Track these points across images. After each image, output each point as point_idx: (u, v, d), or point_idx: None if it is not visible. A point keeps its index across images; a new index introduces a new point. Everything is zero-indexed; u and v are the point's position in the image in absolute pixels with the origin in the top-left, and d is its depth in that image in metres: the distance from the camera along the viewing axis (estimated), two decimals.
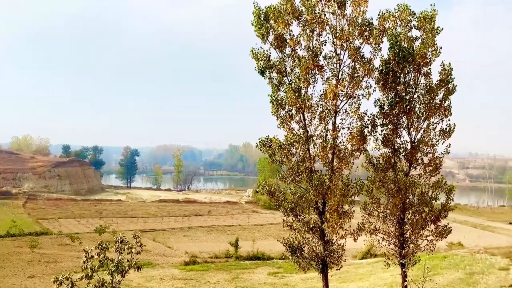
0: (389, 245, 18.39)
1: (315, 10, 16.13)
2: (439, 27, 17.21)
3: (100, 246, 9.52)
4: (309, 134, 17.04)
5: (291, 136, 16.93)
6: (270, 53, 16.74)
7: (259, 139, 17.21)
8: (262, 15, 16.28)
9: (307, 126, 17.07)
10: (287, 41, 16.48)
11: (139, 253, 9.83)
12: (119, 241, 9.84)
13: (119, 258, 9.66)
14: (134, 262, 9.62)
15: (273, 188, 17.84)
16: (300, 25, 16.51)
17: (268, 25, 16.32)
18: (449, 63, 17.58)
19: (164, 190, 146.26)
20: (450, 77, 17.51)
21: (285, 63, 16.78)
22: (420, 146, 17.74)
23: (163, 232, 60.36)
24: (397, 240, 18.16)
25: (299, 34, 16.56)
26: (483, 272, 25.67)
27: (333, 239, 17.46)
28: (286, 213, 17.59)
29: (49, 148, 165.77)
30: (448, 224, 18.57)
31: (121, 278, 9.74)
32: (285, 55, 16.74)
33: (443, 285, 23.36)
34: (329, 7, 16.37)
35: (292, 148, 17.04)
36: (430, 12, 17.16)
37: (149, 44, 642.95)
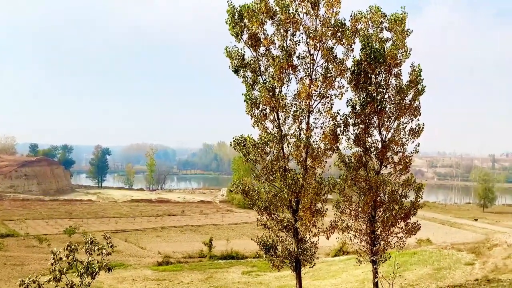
0: (360, 242, 18.76)
1: (289, 10, 16.23)
2: (409, 29, 17.69)
3: (69, 248, 9.26)
4: (283, 133, 17.16)
5: (265, 135, 16.99)
6: (244, 52, 16.76)
7: (233, 138, 17.21)
8: (236, 14, 16.26)
9: (281, 125, 17.17)
10: (261, 40, 16.52)
11: (110, 254, 9.63)
12: (89, 242, 9.61)
13: (89, 260, 9.43)
14: (105, 263, 9.42)
15: (247, 187, 17.88)
16: (274, 24, 16.58)
17: (242, 24, 16.31)
18: (419, 64, 18.11)
19: (137, 190, 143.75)
20: (420, 78, 18.00)
21: (259, 62, 16.82)
22: (391, 145, 18.18)
23: (136, 233, 59.30)
24: (368, 238, 18.55)
25: (273, 33, 16.64)
26: (450, 267, 26.57)
27: (306, 237, 17.66)
28: (260, 212, 17.66)
29: (15, 147, 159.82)
30: (417, 221, 19.10)
31: (91, 280, 9.52)
32: (259, 54, 16.77)
33: (412, 281, 24.03)
34: (302, 7, 16.50)
35: (266, 147, 17.12)
36: (401, 14, 17.58)
37: (121, 42, 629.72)
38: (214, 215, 79.30)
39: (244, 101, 16.87)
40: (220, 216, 77.83)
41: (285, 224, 17.52)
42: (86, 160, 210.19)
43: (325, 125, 17.45)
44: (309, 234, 17.47)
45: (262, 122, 17.14)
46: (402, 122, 18.30)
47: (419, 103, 18.29)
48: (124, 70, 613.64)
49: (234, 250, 43.24)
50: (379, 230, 18.53)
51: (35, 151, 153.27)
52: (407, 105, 18.04)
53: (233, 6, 16.28)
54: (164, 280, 30.29)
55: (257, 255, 39.02)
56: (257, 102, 16.87)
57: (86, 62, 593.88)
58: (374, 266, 18.52)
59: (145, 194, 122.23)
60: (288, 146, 17.28)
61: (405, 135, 18.37)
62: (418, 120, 18.45)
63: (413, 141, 18.53)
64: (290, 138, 17.22)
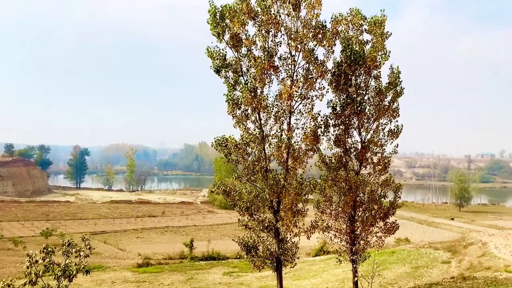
0: (340, 242, 18.97)
1: (271, 11, 16.30)
2: (388, 31, 17.98)
3: (45, 250, 9.04)
4: (264, 133, 17.19)
5: (246, 136, 17.00)
6: (226, 52, 16.72)
7: (214, 138, 17.15)
8: (218, 14, 16.22)
9: (262, 126, 17.20)
10: (243, 40, 16.51)
11: (88, 256, 9.44)
12: (67, 244, 9.41)
13: (66, 262, 9.23)
14: (83, 265, 9.23)
15: (228, 188, 17.84)
16: (256, 25, 16.61)
17: (224, 24, 16.28)
18: (397, 66, 18.43)
19: (116, 191, 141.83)
20: (398, 80, 18.33)
21: (241, 62, 16.81)
22: (370, 146, 18.44)
23: (115, 234, 58.49)
24: (348, 237, 18.77)
25: (254, 34, 16.65)
26: (428, 265, 27.12)
27: (287, 237, 17.74)
28: (242, 213, 17.65)
29: None
30: (396, 220, 19.44)
31: (68, 283, 9.32)
32: (241, 54, 16.76)
33: (391, 279, 24.42)
34: (284, 8, 16.59)
35: (247, 147, 17.12)
36: (380, 17, 17.87)
37: (100, 38, 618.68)
38: (195, 216, 78.88)
39: (226, 101, 16.83)
40: (201, 217, 77.46)
41: (266, 225, 17.56)
42: (64, 161, 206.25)
43: (306, 126, 17.56)
44: (290, 234, 17.56)
45: (244, 123, 17.13)
46: (381, 123, 18.59)
47: (398, 104, 18.63)
48: (102, 68, 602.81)
49: (215, 251, 43.11)
50: (358, 230, 18.77)
51: (11, 151, 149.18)
52: (386, 106, 18.34)
53: (214, 6, 16.24)
54: (144, 282, 29.93)
55: (238, 256, 39.01)
56: (239, 103, 16.85)
57: (62, 59, 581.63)
58: (354, 266, 18.74)
59: (124, 195, 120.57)
60: (270, 147, 17.32)
61: (384, 136, 18.67)
62: (397, 121, 18.79)
63: (392, 142, 18.86)
64: (272, 138, 17.26)
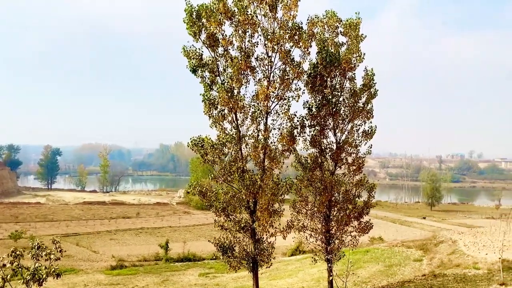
0: (316, 242, 19.16)
1: (247, 11, 16.30)
2: (363, 34, 18.28)
3: (13, 253, 8.74)
4: (241, 134, 17.18)
5: (223, 136, 16.94)
6: (202, 51, 16.62)
7: (190, 138, 17.02)
8: (194, 13, 16.10)
9: (239, 126, 17.19)
10: (220, 40, 16.46)
11: (59, 259, 9.18)
12: (36, 247, 9.12)
13: (35, 266, 8.95)
14: (53, 269, 8.96)
15: (204, 188, 17.73)
16: (233, 25, 16.58)
17: (200, 24, 16.17)
18: (372, 68, 18.77)
19: (89, 192, 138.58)
20: (372, 82, 18.67)
21: (217, 62, 16.74)
22: (345, 146, 18.72)
23: (88, 236, 57.18)
24: (323, 237, 18.98)
25: (231, 34, 16.62)
26: (400, 264, 27.73)
27: (263, 237, 17.78)
28: (218, 213, 17.59)
29: None
30: (370, 220, 19.78)
31: (38, 287, 9.03)
32: (218, 54, 16.71)
33: (365, 278, 24.84)
34: (261, 9, 16.63)
35: (224, 148, 17.07)
36: (355, 20, 18.15)
37: (74, 36, 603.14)
38: (171, 217, 78.00)
39: (202, 101, 16.73)
40: (177, 218, 76.66)
41: (242, 225, 17.55)
42: (35, 161, 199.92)
43: (283, 127, 17.65)
44: (266, 234, 17.61)
45: (220, 123, 17.07)
46: (356, 124, 18.90)
47: (372, 106, 18.97)
48: (75, 65, 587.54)
49: (191, 252, 42.80)
50: (333, 229, 19.01)
51: None
52: (361, 108, 18.65)
53: (191, 5, 16.11)
54: (118, 285, 29.41)
55: (214, 257, 38.85)
56: (215, 103, 16.78)
57: (32, 56, 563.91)
58: (329, 265, 18.97)
59: (98, 196, 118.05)
60: (246, 147, 17.33)
61: (359, 137, 18.98)
62: (371, 122, 19.14)
63: (366, 143, 19.20)
64: (248, 139, 17.27)
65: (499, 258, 20.00)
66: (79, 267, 37.05)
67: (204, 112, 16.85)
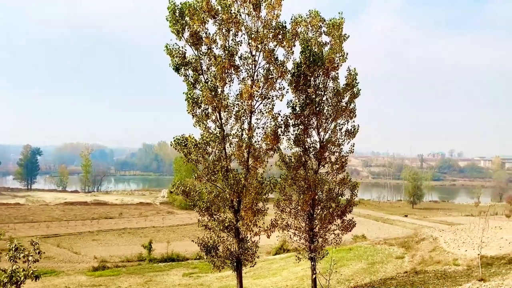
0: (300, 240, 19.23)
1: (231, 10, 16.24)
2: (346, 34, 18.41)
3: None
4: (225, 133, 17.12)
5: (207, 135, 16.85)
6: (185, 50, 16.49)
7: (174, 137, 16.88)
8: (177, 11, 15.96)
9: (223, 125, 17.12)
10: (203, 39, 16.35)
11: (37, 261, 8.97)
12: (14, 248, 8.89)
13: (13, 268, 8.72)
14: (31, 271, 8.75)
15: (188, 188, 17.60)
16: (216, 24, 16.50)
17: (184, 22, 16.05)
18: (354, 68, 18.93)
19: (71, 192, 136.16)
20: (355, 82, 18.84)
21: (201, 61, 16.64)
22: (328, 145, 18.84)
23: (69, 237, 56.26)
24: (307, 235, 19.07)
25: (215, 32, 16.54)
26: (383, 261, 28.08)
27: (247, 236, 17.76)
28: (202, 213, 17.49)
29: None
30: (353, 218, 19.97)
31: None
32: (201, 53, 16.60)
33: (348, 276, 25.07)
34: (244, 8, 16.59)
35: (208, 147, 16.97)
36: (338, 19, 18.27)
37: (53, 32, 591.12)
38: (154, 217, 77.34)
39: (186, 100, 16.60)
40: (161, 218, 76.04)
41: (226, 224, 17.49)
42: (14, 161, 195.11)
43: (267, 126, 17.67)
44: (250, 234, 17.59)
45: (204, 122, 16.98)
46: (339, 123, 19.04)
47: (355, 105, 19.13)
48: (56, 63, 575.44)
49: (175, 252, 42.51)
50: (317, 228, 19.12)
51: None
52: (344, 107, 18.80)
53: (174, 3, 15.97)
54: (100, 286, 29.00)
55: (198, 257, 38.70)
56: (199, 102, 16.67)
57: (11, 53, 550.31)
58: (312, 263, 19.07)
59: (80, 196, 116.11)
60: (230, 146, 17.28)
61: (342, 136, 19.13)
62: (354, 121, 19.31)
63: (349, 142, 19.36)
64: (232, 138, 17.22)
65: (478, 255, 20.43)
66: (60, 269, 36.42)
67: (187, 111, 16.74)
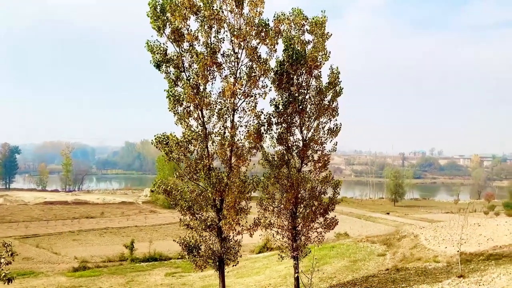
0: (283, 239, 19.21)
1: (213, 6, 16.06)
2: (328, 32, 18.44)
3: None
4: (207, 131, 16.95)
5: (189, 133, 16.64)
6: (167, 46, 16.24)
7: (155, 136, 16.63)
8: (158, 7, 15.70)
9: (205, 123, 16.94)
10: (185, 35, 16.13)
11: (10, 263, 8.65)
12: None
13: None
14: (4, 273, 8.44)
15: (169, 187, 17.37)
16: (198, 20, 16.29)
17: (165, 18, 15.80)
18: (337, 67, 18.98)
19: (51, 191, 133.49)
20: (338, 80, 18.90)
21: (182, 58, 16.41)
22: (311, 144, 18.86)
23: (49, 237, 55.09)
24: (290, 233, 19.06)
25: (197, 29, 16.33)
26: (365, 259, 28.34)
27: (230, 235, 17.65)
28: (183, 212, 17.30)
29: None
30: (335, 216, 20.06)
31: None
32: (183, 49, 16.37)
33: (331, 273, 25.20)
34: (227, 5, 16.43)
35: (190, 145, 16.77)
36: (321, 18, 18.28)
37: (31, 28, 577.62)
38: (137, 216, 76.44)
39: (167, 97, 16.36)
40: (143, 217, 75.20)
41: (208, 224, 17.35)
42: None
43: (250, 124, 17.56)
44: (233, 233, 17.48)
45: (186, 120, 16.76)
46: (322, 122, 19.07)
47: (337, 104, 19.20)
48: (34, 59, 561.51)
49: (157, 252, 42.09)
50: (300, 226, 19.13)
51: None
52: (326, 105, 18.84)
53: None
54: (80, 287, 28.47)
55: (180, 256, 38.29)
56: (181, 99, 16.44)
57: None
58: (295, 262, 19.09)
59: (60, 195, 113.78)
60: (213, 145, 17.10)
61: (324, 134, 19.17)
62: (336, 120, 19.38)
63: (332, 140, 19.42)
64: (215, 136, 17.05)
65: (458, 251, 20.79)
66: (39, 270, 35.63)
67: (168, 108, 16.50)
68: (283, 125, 18.65)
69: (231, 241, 17.78)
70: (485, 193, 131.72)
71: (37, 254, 43.81)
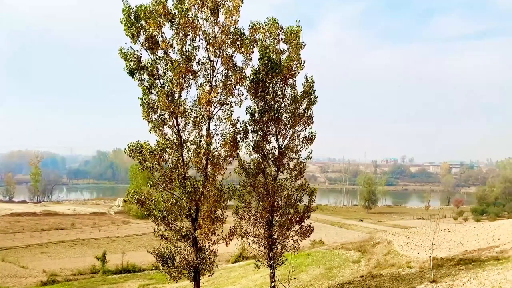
0: (259, 247, 19.11)
1: (188, 14, 15.97)
2: (303, 42, 18.67)
3: None
4: (182, 139, 16.72)
5: (163, 142, 16.37)
6: (141, 54, 15.99)
7: (128, 144, 16.25)
8: (132, 14, 15.48)
9: (180, 131, 16.72)
10: (160, 43, 15.94)
11: None
12: None
13: None
14: None
15: (143, 197, 16.98)
16: (173, 28, 16.15)
17: (139, 25, 15.57)
18: (311, 76, 19.22)
19: (18, 202, 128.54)
20: (312, 89, 19.12)
21: (157, 65, 16.18)
22: (287, 152, 18.95)
23: (16, 250, 52.99)
24: (266, 242, 18.98)
25: (172, 37, 16.18)
26: (340, 266, 28.53)
27: (205, 245, 17.39)
28: (157, 222, 16.93)
29: None
30: (310, 223, 20.14)
31: None
32: (157, 57, 16.16)
33: (307, 281, 25.22)
34: (202, 13, 16.38)
35: (164, 154, 16.49)
36: (296, 27, 18.49)
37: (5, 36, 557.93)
38: (109, 227, 74.60)
39: (141, 105, 16.05)
40: (116, 228, 73.44)
41: (183, 234, 17.04)
42: None
43: (226, 132, 17.47)
44: (209, 242, 17.24)
45: (160, 128, 16.48)
46: (297, 130, 19.22)
47: (312, 112, 19.39)
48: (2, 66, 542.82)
49: (131, 263, 41.15)
50: (276, 234, 19.08)
51: None
52: (301, 114, 19.00)
53: (128, 6, 15.47)
54: None
55: (154, 267, 37.48)
56: (155, 107, 16.18)
57: None
58: (271, 271, 19.00)
59: (28, 206, 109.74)
60: (188, 153, 16.88)
61: (300, 142, 19.30)
62: (311, 128, 19.56)
63: (307, 148, 19.56)
64: (190, 144, 16.84)
65: (430, 257, 21.21)
66: (5, 285, 34.16)
67: (142, 116, 16.19)
68: (259, 133, 18.67)
69: (207, 251, 17.52)
70: (454, 199, 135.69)
71: (3, 268, 41.99)
